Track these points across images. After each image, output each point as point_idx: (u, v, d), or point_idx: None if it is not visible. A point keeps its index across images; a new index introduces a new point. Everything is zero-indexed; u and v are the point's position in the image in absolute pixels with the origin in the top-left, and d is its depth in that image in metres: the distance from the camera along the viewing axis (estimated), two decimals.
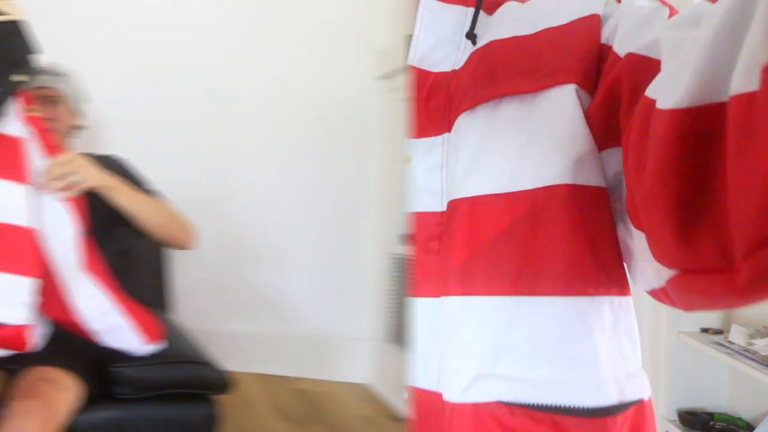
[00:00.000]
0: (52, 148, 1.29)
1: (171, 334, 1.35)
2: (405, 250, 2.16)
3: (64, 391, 1.12)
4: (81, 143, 1.54)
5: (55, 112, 1.38)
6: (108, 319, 1.25)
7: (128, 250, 1.48)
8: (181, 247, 1.44)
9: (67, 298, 1.21)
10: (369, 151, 2.48)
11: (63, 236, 1.21)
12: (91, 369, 1.22)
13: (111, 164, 1.43)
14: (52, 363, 1.17)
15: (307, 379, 2.42)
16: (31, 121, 1.26)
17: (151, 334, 1.30)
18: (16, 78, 1.16)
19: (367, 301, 2.51)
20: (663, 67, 0.42)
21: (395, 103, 2.33)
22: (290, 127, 2.41)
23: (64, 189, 1.20)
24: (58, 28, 2.02)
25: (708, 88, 0.35)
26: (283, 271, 2.45)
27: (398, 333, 2.26)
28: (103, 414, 1.19)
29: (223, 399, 1.45)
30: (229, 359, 2.22)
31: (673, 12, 0.49)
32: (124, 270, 1.35)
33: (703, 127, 0.35)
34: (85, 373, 1.19)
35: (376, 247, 2.48)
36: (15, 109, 1.19)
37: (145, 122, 2.30)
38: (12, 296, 1.14)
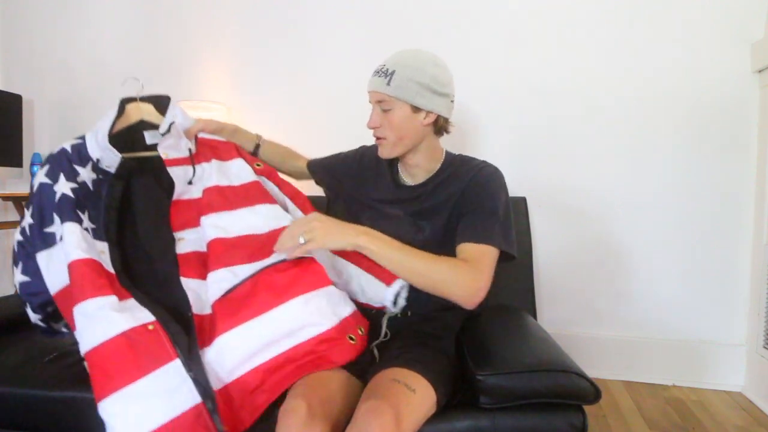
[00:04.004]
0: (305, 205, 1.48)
1: (536, 340, 1.30)
2: None
3: (415, 394, 1.06)
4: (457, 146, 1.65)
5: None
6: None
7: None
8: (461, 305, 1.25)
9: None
10: (746, 150, 2.31)
11: None
12: (441, 375, 1.17)
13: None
14: (403, 365, 1.15)
15: (677, 386, 2.36)
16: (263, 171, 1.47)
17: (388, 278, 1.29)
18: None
19: (742, 306, 2.34)
20: None
21: None
22: (660, 128, 2.37)
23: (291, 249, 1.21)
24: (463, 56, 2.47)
25: None
26: (650, 275, 2.41)
27: None
28: (461, 423, 1.13)
29: (590, 408, 1.32)
30: (594, 366, 2.38)
31: None
32: None
33: None
34: (435, 379, 1.14)
35: (753, 250, 2.31)
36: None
37: (518, 130, 2.48)
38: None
